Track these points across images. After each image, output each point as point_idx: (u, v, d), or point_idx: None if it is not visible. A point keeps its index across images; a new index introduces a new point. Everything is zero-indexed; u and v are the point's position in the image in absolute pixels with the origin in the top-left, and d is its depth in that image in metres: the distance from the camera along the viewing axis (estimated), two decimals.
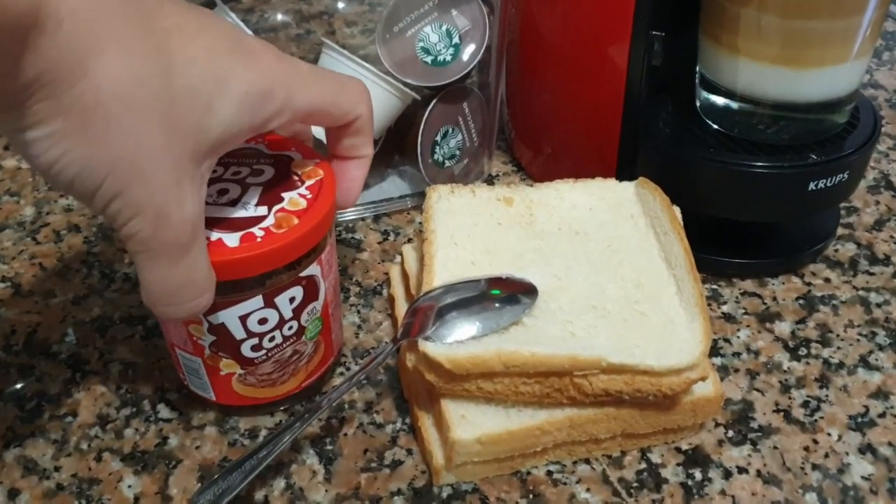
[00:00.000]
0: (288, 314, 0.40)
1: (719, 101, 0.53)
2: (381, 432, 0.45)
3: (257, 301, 0.39)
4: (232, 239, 0.37)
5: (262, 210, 0.39)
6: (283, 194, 0.40)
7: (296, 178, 0.41)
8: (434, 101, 0.56)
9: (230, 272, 0.37)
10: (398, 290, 0.51)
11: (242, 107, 0.33)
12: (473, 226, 0.47)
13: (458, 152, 0.60)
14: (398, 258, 0.57)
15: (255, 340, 0.40)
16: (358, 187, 0.43)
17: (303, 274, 0.40)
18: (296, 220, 0.38)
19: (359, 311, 0.52)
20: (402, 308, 0.50)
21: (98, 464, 0.43)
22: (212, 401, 0.44)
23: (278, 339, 0.41)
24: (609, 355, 0.39)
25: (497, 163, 0.66)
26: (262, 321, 0.40)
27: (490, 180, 0.64)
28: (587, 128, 0.57)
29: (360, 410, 0.46)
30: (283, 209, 0.39)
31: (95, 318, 0.52)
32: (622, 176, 0.55)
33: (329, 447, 0.44)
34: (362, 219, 0.60)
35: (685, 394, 0.42)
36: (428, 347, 0.39)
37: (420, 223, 0.60)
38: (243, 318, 0.39)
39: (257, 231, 0.37)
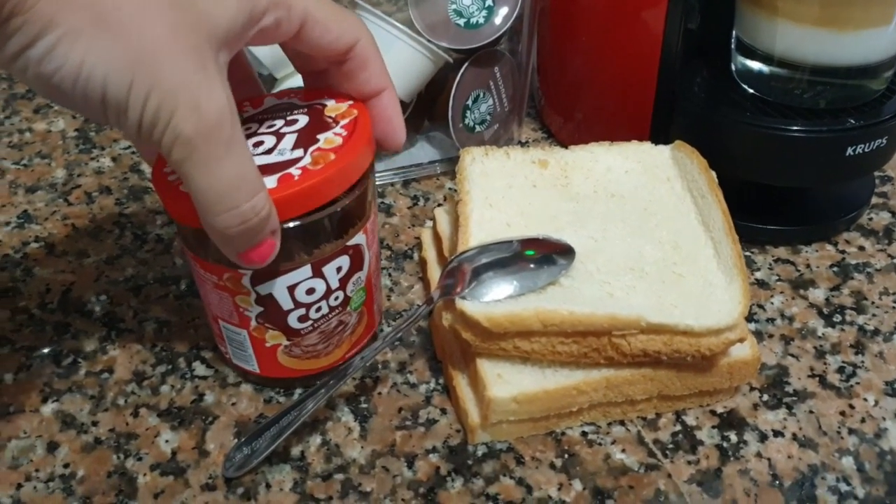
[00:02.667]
0: (335, 284, 0.40)
1: (756, 65, 0.53)
2: (415, 392, 0.45)
3: (305, 271, 0.39)
4: (269, 182, 0.36)
5: (298, 153, 0.38)
6: (319, 136, 0.39)
7: (329, 120, 0.40)
8: (465, 64, 0.56)
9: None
10: (430, 252, 0.51)
11: None
12: (508, 188, 0.47)
13: (488, 117, 0.59)
14: (429, 223, 0.56)
15: (303, 311, 0.40)
16: (398, 122, 0.41)
17: (349, 243, 0.40)
18: (332, 156, 0.37)
19: (390, 275, 0.52)
20: (433, 271, 0.50)
21: (135, 419, 0.43)
22: (255, 373, 0.44)
23: (324, 310, 0.41)
24: (648, 315, 0.39)
25: (527, 129, 0.66)
26: (310, 291, 0.40)
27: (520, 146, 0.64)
28: (620, 93, 0.57)
29: (394, 371, 0.46)
30: (318, 149, 0.38)
31: (129, 278, 0.52)
32: (656, 141, 0.55)
33: (364, 405, 0.44)
34: (392, 184, 0.60)
35: (722, 355, 0.41)
36: (465, 306, 0.39)
37: (450, 188, 0.60)
38: (291, 289, 0.39)
39: (294, 171, 0.37)
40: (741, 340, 0.41)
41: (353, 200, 0.39)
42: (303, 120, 0.41)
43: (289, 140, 0.39)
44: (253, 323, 0.41)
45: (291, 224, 0.37)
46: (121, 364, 0.46)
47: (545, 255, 0.43)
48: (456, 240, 0.45)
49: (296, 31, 0.36)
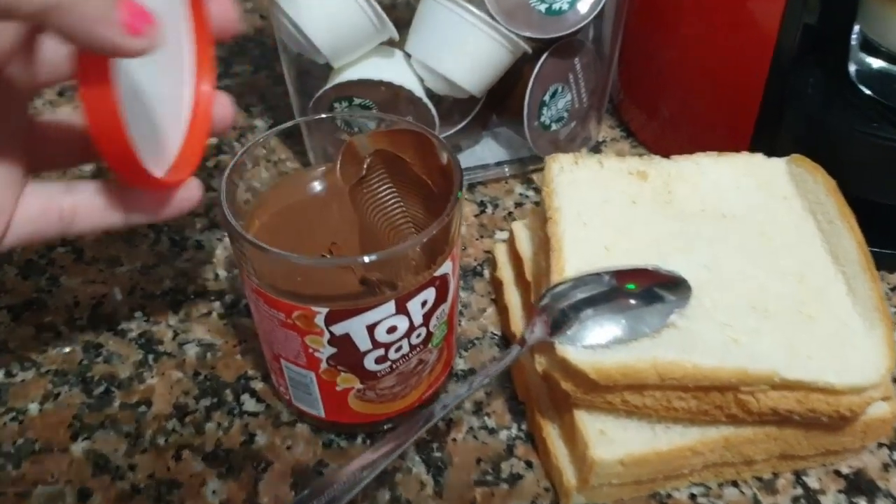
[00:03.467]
0: (418, 320, 0.35)
1: (879, 64, 0.46)
2: (495, 439, 0.39)
3: (389, 307, 0.33)
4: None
5: None
6: None
7: None
8: (545, 55, 0.49)
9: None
10: (506, 272, 0.45)
11: None
12: (603, 203, 0.41)
13: (565, 114, 0.53)
14: (499, 234, 0.51)
15: (381, 352, 0.35)
16: None
17: (437, 273, 0.34)
18: None
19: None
20: (511, 294, 0.44)
21: (177, 463, 0.38)
22: (320, 418, 0.39)
23: (405, 349, 0.35)
24: (782, 369, 0.33)
25: (603, 127, 0.60)
26: (391, 330, 0.34)
27: (597, 147, 0.58)
28: (718, 91, 0.50)
29: (469, 412, 0.40)
30: None
31: (167, 292, 0.46)
32: (758, 148, 0.48)
33: (437, 454, 0.38)
34: None
35: (862, 415, 0.35)
36: (569, 353, 0.34)
37: (521, 194, 0.54)
38: (371, 328, 0.33)
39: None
40: (886, 399, 0.35)
41: (441, 228, 0.33)
42: None
43: None
44: (323, 365, 0.35)
45: (372, 257, 0.31)
46: (160, 395, 0.41)
47: (649, 288, 0.37)
48: (542, 262, 0.40)
49: None
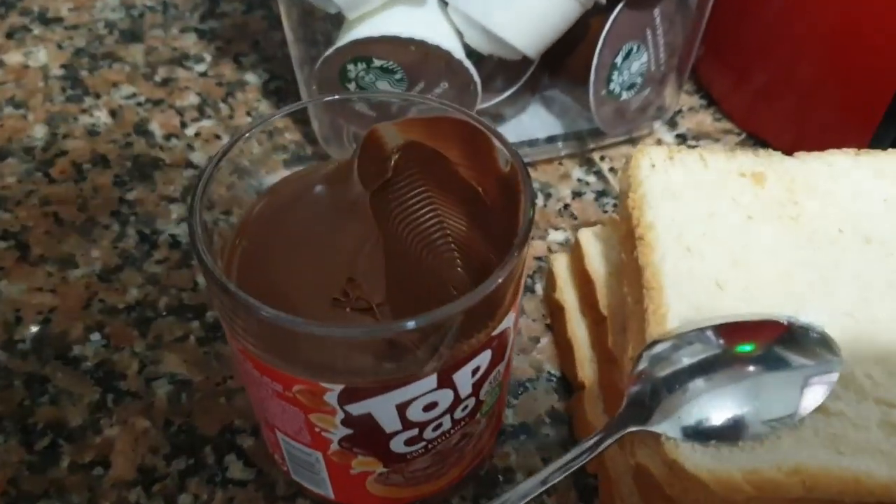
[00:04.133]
0: (466, 391, 0.25)
1: None
2: None
3: (429, 382, 0.23)
4: None
5: None
6: None
7: None
8: (620, 6, 0.38)
9: None
10: (568, 295, 0.35)
11: None
12: (709, 218, 0.31)
13: (639, 79, 0.42)
14: (553, 234, 0.40)
15: (414, 432, 0.25)
16: None
17: (495, 332, 0.24)
18: None
19: None
20: (575, 325, 0.34)
21: None
22: (328, 499, 0.29)
23: (446, 426, 0.26)
24: None
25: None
26: (429, 407, 0.24)
27: (672, 120, 0.47)
28: (842, 58, 0.39)
29: None
30: None
31: (132, 306, 0.36)
32: (883, 137, 0.38)
33: None
34: None
35: None
36: (683, 455, 0.24)
37: (579, 180, 0.43)
38: (402, 406, 0.24)
39: None
40: None
41: (508, 273, 0.23)
42: None
43: None
44: (334, 447, 0.26)
45: (411, 324, 0.21)
46: (120, 452, 0.32)
47: (770, 348, 0.27)
48: (624, 291, 0.30)
49: None
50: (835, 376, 0.26)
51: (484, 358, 0.25)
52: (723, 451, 0.24)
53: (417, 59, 0.37)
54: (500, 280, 0.23)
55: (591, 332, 0.34)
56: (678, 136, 0.46)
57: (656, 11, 0.40)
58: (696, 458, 0.24)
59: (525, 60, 0.39)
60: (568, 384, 0.34)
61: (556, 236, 0.40)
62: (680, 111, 0.47)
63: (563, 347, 0.35)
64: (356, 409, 0.24)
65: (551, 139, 0.44)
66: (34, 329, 0.35)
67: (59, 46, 0.50)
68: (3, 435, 0.32)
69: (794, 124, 0.42)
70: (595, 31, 0.39)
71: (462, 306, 0.22)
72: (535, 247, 0.40)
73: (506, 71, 0.41)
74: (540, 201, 0.42)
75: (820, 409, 0.26)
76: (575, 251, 0.36)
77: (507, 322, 0.25)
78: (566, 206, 0.42)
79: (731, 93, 0.46)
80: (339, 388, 0.23)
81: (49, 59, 0.49)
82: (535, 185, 0.43)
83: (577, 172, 0.43)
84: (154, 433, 0.32)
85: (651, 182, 0.31)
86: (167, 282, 0.37)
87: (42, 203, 0.41)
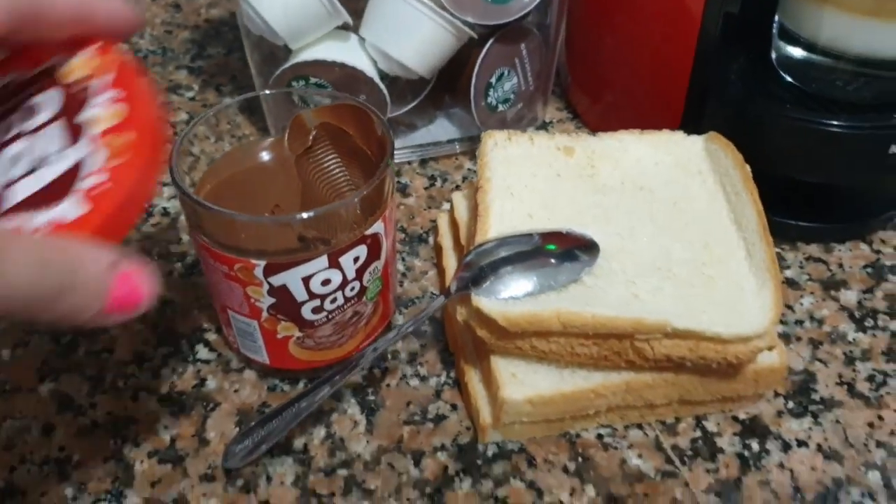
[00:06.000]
0: (351, 275, 0.38)
1: (798, 53, 0.50)
2: (425, 385, 0.43)
3: (322, 261, 0.37)
4: (70, 208, 0.26)
5: (77, 150, 0.27)
6: (83, 115, 0.28)
7: (80, 87, 0.28)
8: (491, 40, 0.53)
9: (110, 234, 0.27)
10: (446, 239, 0.49)
11: None
12: (531, 176, 0.45)
13: (512, 96, 0.57)
14: (446, 205, 0.54)
15: (317, 302, 0.38)
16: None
17: (367, 232, 0.38)
18: (133, 136, 0.27)
19: (403, 259, 0.51)
20: (449, 259, 0.48)
21: (134, 403, 0.42)
22: (265, 364, 0.42)
23: (340, 301, 0.39)
24: (674, 320, 0.37)
25: (551, 109, 0.63)
26: (325, 282, 0.38)
27: (544, 127, 0.62)
28: (653, 75, 0.54)
29: (404, 362, 0.44)
30: (104, 132, 0.27)
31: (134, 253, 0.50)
32: (688, 129, 0.52)
33: (371, 397, 0.42)
34: (409, 162, 0.58)
35: (749, 362, 0.39)
36: (482, 303, 0.37)
37: (469, 169, 0.57)
38: (306, 280, 0.37)
39: (94, 178, 0.26)
40: (770, 348, 0.38)
41: (372, 189, 0.37)
42: (46, 101, 0.29)
43: (49, 137, 0.28)
44: (264, 314, 0.39)
45: (306, 214, 0.35)
46: (121, 344, 0.45)
47: (567, 250, 0.40)
48: (474, 229, 0.43)
49: None
50: (593, 263, 0.40)
51: (361, 251, 0.38)
52: (510, 302, 0.38)
53: (342, 77, 0.52)
54: (365, 192, 0.37)
55: (457, 261, 0.47)
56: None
57: (522, 45, 0.55)
58: (491, 306, 0.37)
59: (423, 80, 0.54)
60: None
61: (447, 206, 0.54)
62: (551, 122, 0.62)
63: (441, 274, 0.48)
64: (276, 280, 0.37)
65: (451, 141, 0.58)
66: None
67: None
68: (37, 333, 0.45)
69: (630, 128, 0.57)
70: (473, 60, 0.54)
71: (335, 207, 0.36)
72: (432, 213, 0.54)
73: (411, 88, 0.55)
74: (438, 184, 0.56)
75: (582, 283, 0.39)
76: (451, 207, 0.49)
77: (377, 228, 0.39)
78: (457, 187, 0.56)
79: (588, 108, 0.61)
80: (263, 263, 0.37)
81: None
82: (436, 173, 0.57)
83: (468, 164, 0.58)
84: (145, 332, 0.46)
85: (493, 154, 0.46)
86: (159, 237, 0.51)
87: None
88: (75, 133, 0.27)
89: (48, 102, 0.29)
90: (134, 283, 0.26)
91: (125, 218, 0.27)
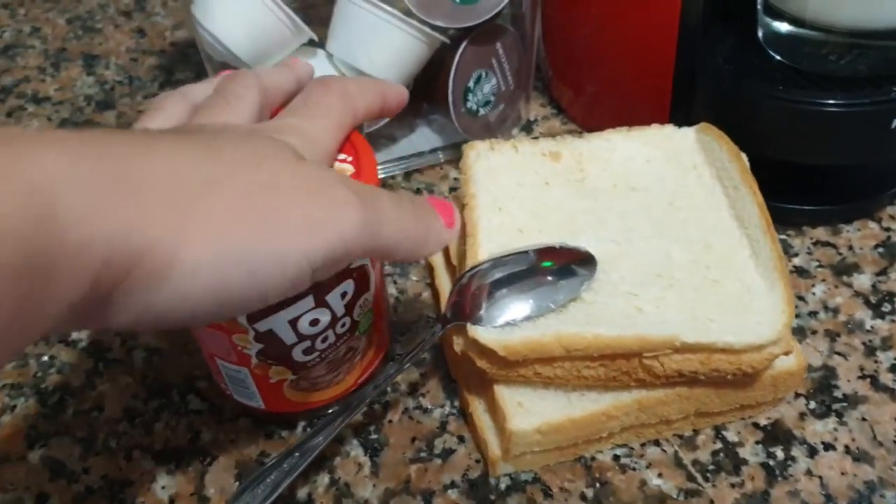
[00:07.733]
0: (340, 311, 0.36)
1: (785, 28, 0.47)
2: (429, 417, 0.41)
3: (307, 302, 0.35)
4: None
5: None
6: None
7: None
8: (464, 43, 0.51)
9: None
10: (437, 257, 0.47)
11: None
12: (518, 186, 0.43)
13: (492, 98, 0.54)
14: None
15: (307, 343, 0.37)
16: (386, 87, 0.39)
17: (353, 266, 0.36)
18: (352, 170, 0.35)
19: (395, 282, 0.49)
20: (442, 278, 0.46)
21: (129, 462, 0.40)
22: (261, 410, 0.40)
23: (331, 339, 0.37)
24: (682, 334, 0.35)
25: (535, 106, 0.61)
26: (314, 322, 0.36)
27: (529, 126, 0.59)
28: (636, 63, 0.52)
29: (405, 393, 0.42)
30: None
31: None
32: (677, 117, 0.50)
33: (374, 436, 0.40)
34: (392, 176, 0.56)
35: (765, 370, 0.37)
36: (478, 333, 0.35)
37: (455, 178, 0.55)
38: (293, 322, 0.35)
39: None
40: (786, 353, 0.37)
41: None
42: None
43: None
44: (254, 360, 0.37)
45: None
46: (110, 400, 0.43)
47: (564, 266, 0.38)
48: (463, 247, 0.41)
49: None
50: (592, 278, 0.38)
51: (348, 286, 0.37)
52: (507, 329, 0.36)
53: None
54: None
55: (452, 280, 0.45)
56: (534, 138, 0.58)
57: (498, 44, 0.53)
58: (488, 335, 0.35)
59: None
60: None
61: None
62: (536, 120, 0.60)
63: (436, 297, 0.46)
64: (261, 325, 0.36)
65: (434, 150, 0.56)
66: None
67: (49, 119, 0.63)
68: (23, 397, 0.44)
69: (617, 120, 0.55)
70: (448, 64, 0.51)
71: None
72: None
73: None
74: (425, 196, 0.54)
75: (581, 299, 0.37)
76: None
77: (362, 260, 0.37)
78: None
79: (572, 102, 0.59)
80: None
81: (41, 129, 0.62)
82: (421, 185, 0.55)
83: (453, 173, 0.56)
84: (134, 385, 0.44)
85: (476, 167, 0.43)
86: None
87: None
88: None
89: None
90: (439, 203, 0.34)
91: None
